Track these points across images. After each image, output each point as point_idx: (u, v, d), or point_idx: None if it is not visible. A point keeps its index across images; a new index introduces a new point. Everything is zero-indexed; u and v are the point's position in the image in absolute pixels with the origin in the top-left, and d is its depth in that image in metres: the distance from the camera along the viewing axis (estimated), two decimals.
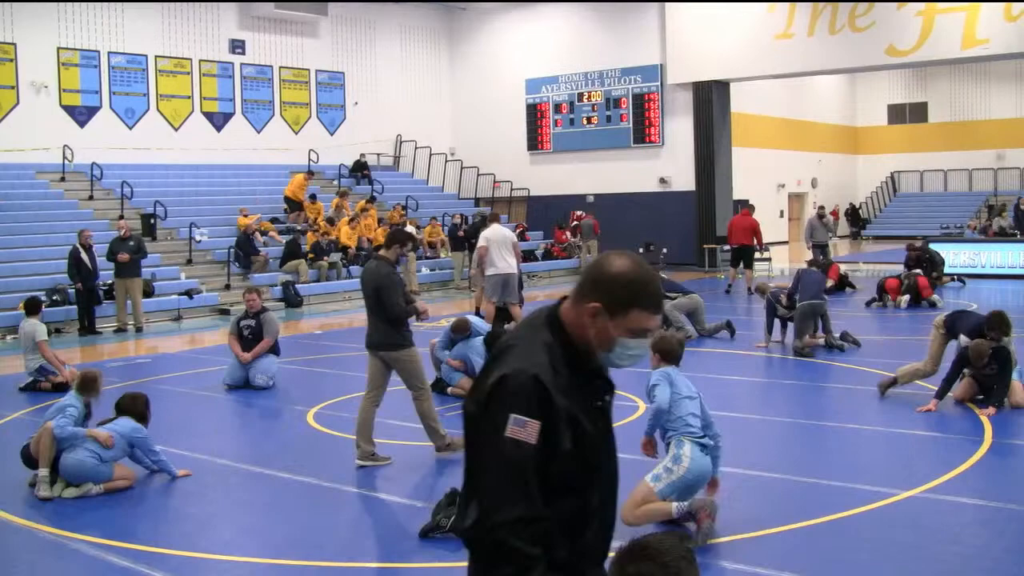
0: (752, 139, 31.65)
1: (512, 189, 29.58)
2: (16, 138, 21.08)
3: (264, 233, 21.70)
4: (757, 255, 20.64)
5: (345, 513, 6.56)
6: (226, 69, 25.22)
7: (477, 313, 14.08)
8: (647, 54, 26.96)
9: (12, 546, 6.21)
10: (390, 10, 28.88)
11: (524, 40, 29.30)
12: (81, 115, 22.47)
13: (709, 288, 20.11)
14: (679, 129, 26.73)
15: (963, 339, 9.02)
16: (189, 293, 18.73)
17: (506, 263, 13.97)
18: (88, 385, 7.52)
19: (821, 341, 12.23)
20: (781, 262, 26.67)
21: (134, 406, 7.45)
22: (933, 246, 19.92)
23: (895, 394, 9.43)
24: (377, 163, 28.28)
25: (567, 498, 2.42)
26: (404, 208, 24.92)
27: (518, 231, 24.67)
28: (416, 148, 29.16)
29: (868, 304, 16.92)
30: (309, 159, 26.28)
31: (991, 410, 8.55)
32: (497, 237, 14.11)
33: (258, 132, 25.94)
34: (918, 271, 17.73)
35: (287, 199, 23.60)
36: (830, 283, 12.93)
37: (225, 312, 18.38)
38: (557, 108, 28.86)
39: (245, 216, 21.68)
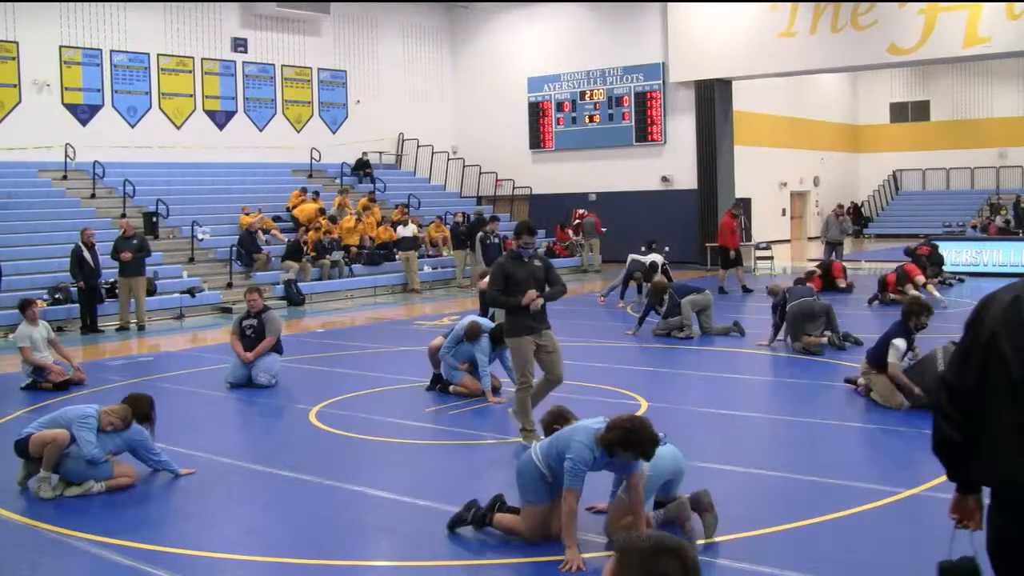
0: (754, 137, 31.62)
1: (514, 188, 29.57)
2: (18, 137, 21.10)
3: (266, 231, 21.72)
4: (742, 254, 20.54)
5: (347, 512, 6.56)
6: (228, 67, 25.22)
7: (481, 304, 14.08)
8: (649, 52, 26.96)
9: (13, 544, 6.21)
10: (392, 9, 28.87)
11: (526, 38, 29.31)
12: (83, 113, 22.48)
13: (710, 287, 19.99)
14: (681, 127, 26.73)
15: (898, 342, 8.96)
16: (191, 291, 18.74)
17: None
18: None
19: (824, 340, 12.21)
20: (783, 260, 26.64)
21: (138, 407, 7.31)
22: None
23: None
24: (379, 162, 28.29)
25: None
26: (406, 207, 24.92)
27: None
28: (418, 147, 29.16)
29: (870, 302, 16.93)
30: (311, 157, 26.30)
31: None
32: None
33: (260, 131, 25.95)
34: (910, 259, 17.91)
35: (294, 217, 22.93)
36: (815, 291, 13.05)
37: (227, 310, 18.40)
38: (559, 106, 28.85)
39: (247, 214, 21.70)
